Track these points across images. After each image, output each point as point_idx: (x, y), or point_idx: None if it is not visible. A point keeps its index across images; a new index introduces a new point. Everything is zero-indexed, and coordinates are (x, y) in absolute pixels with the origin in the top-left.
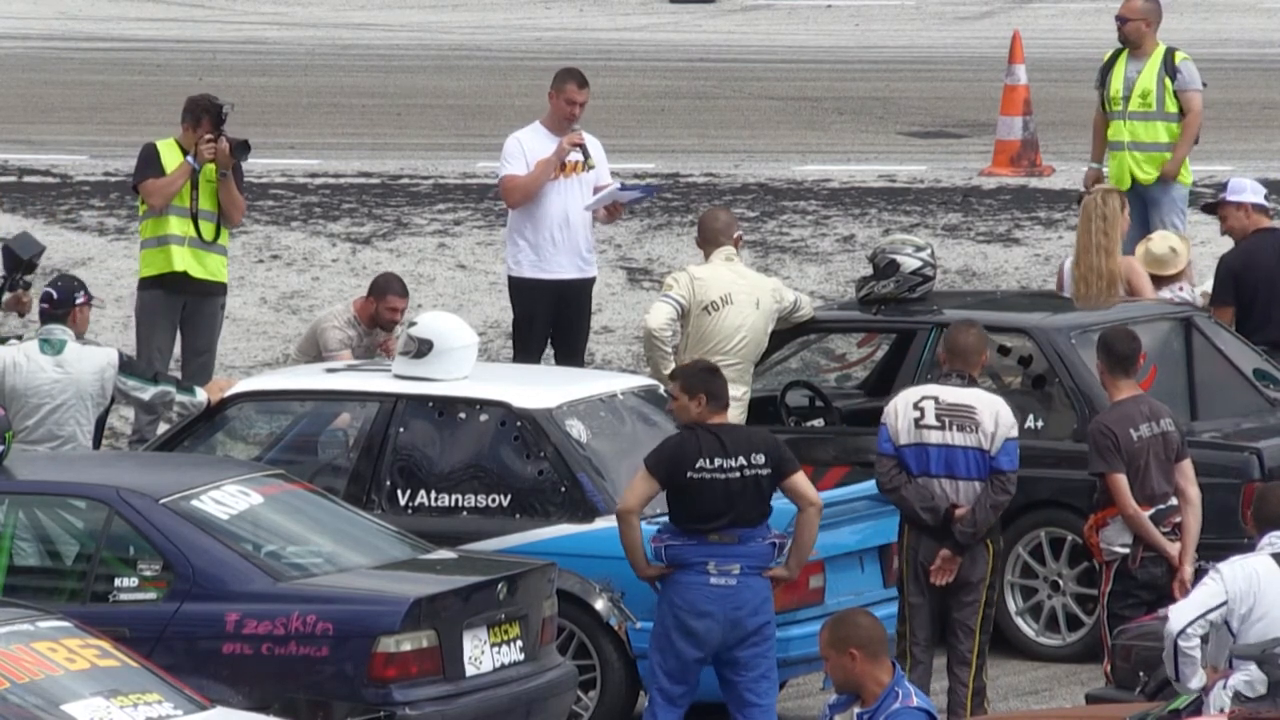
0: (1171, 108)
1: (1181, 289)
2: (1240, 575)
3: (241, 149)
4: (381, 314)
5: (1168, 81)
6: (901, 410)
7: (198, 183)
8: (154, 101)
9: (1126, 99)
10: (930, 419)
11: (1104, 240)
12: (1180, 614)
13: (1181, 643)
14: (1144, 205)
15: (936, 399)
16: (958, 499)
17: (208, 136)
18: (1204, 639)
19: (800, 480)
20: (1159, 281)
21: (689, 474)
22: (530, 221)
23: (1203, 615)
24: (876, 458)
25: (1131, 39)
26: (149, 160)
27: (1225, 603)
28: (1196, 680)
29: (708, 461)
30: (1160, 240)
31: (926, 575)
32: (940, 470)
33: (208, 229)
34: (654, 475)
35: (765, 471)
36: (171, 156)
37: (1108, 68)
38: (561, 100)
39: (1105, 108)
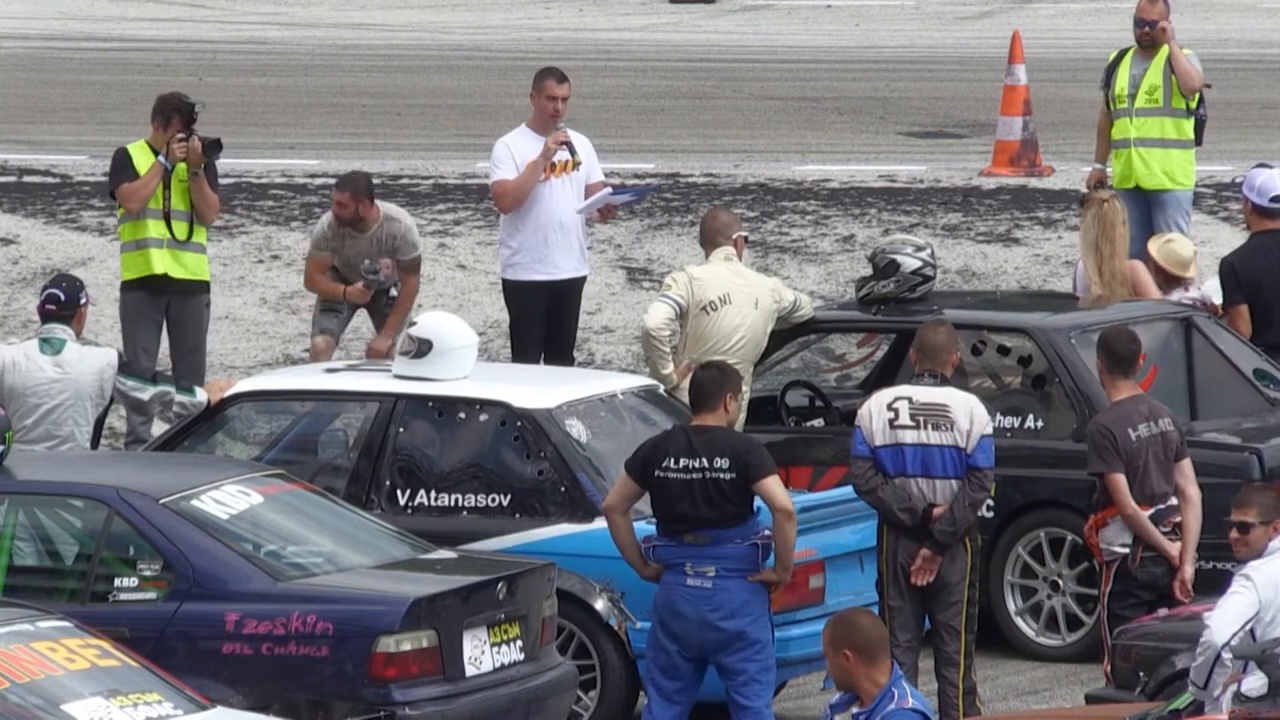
0: (1178, 104)
1: (1189, 289)
2: (1268, 581)
3: (213, 147)
4: (334, 210)
5: (1174, 77)
6: (875, 412)
7: (170, 182)
8: (154, 101)
9: (1132, 96)
10: (905, 419)
11: (1121, 246)
12: (1222, 625)
13: (1224, 654)
14: (1148, 206)
15: (910, 399)
16: (935, 498)
17: (179, 135)
18: None
19: (769, 486)
20: (1174, 282)
21: (656, 473)
22: (523, 224)
23: (1244, 626)
24: (852, 460)
25: (1158, 40)
26: (122, 165)
27: (1259, 612)
28: (1221, 689)
29: (673, 461)
30: (1183, 242)
31: (906, 577)
32: (916, 470)
33: (180, 228)
34: (630, 473)
35: (728, 476)
36: (143, 158)
37: (1113, 67)
38: (543, 99)
39: (1110, 106)
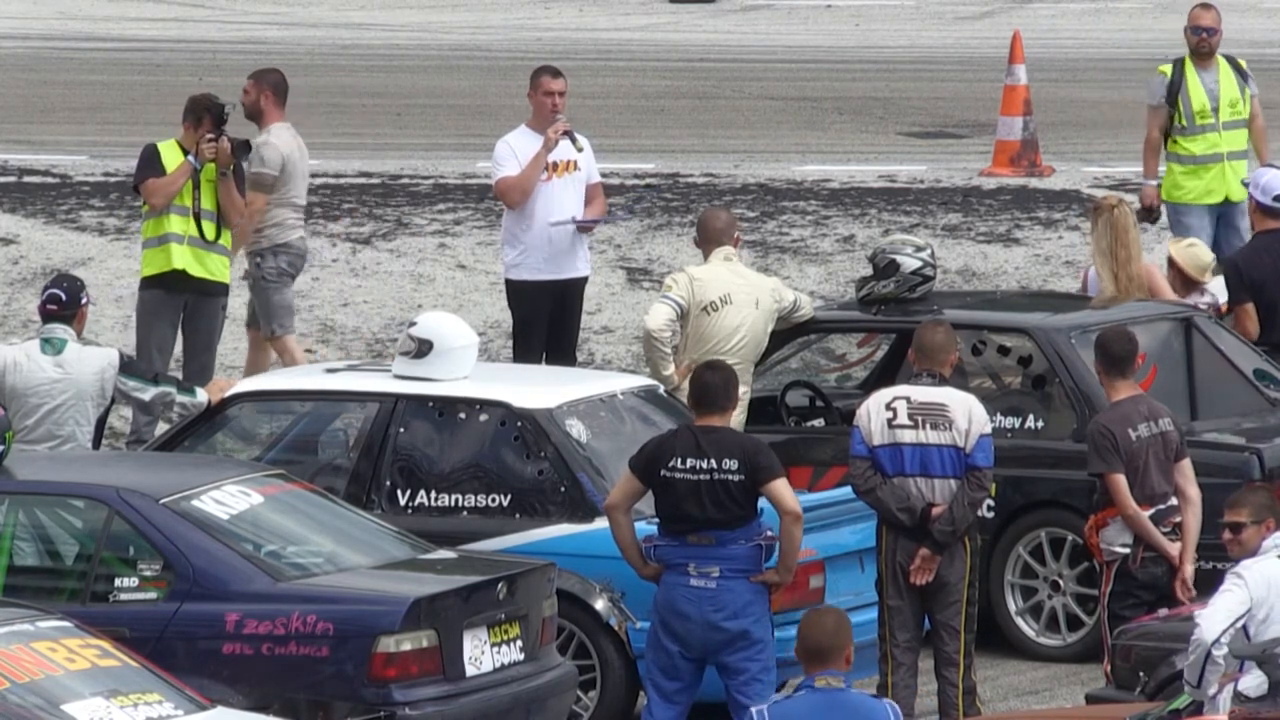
0: (1248, 113)
1: (1204, 293)
2: (1260, 580)
3: (242, 148)
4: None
5: (1246, 88)
6: (874, 411)
7: (199, 182)
8: (154, 101)
9: (1215, 110)
10: (903, 419)
11: (1136, 250)
12: (1212, 623)
13: (1215, 651)
14: (1214, 218)
15: (908, 399)
16: (934, 498)
17: (209, 136)
18: None
19: (778, 488)
20: (1192, 286)
21: (662, 472)
22: (527, 225)
23: (1233, 623)
24: (850, 460)
25: (1215, 49)
26: (149, 160)
27: (1250, 609)
28: (1216, 687)
29: (680, 461)
30: (1204, 247)
31: (905, 576)
32: (915, 470)
33: (209, 229)
34: (634, 472)
35: (736, 477)
36: (172, 157)
37: (1178, 82)
38: (540, 95)
39: (1181, 122)
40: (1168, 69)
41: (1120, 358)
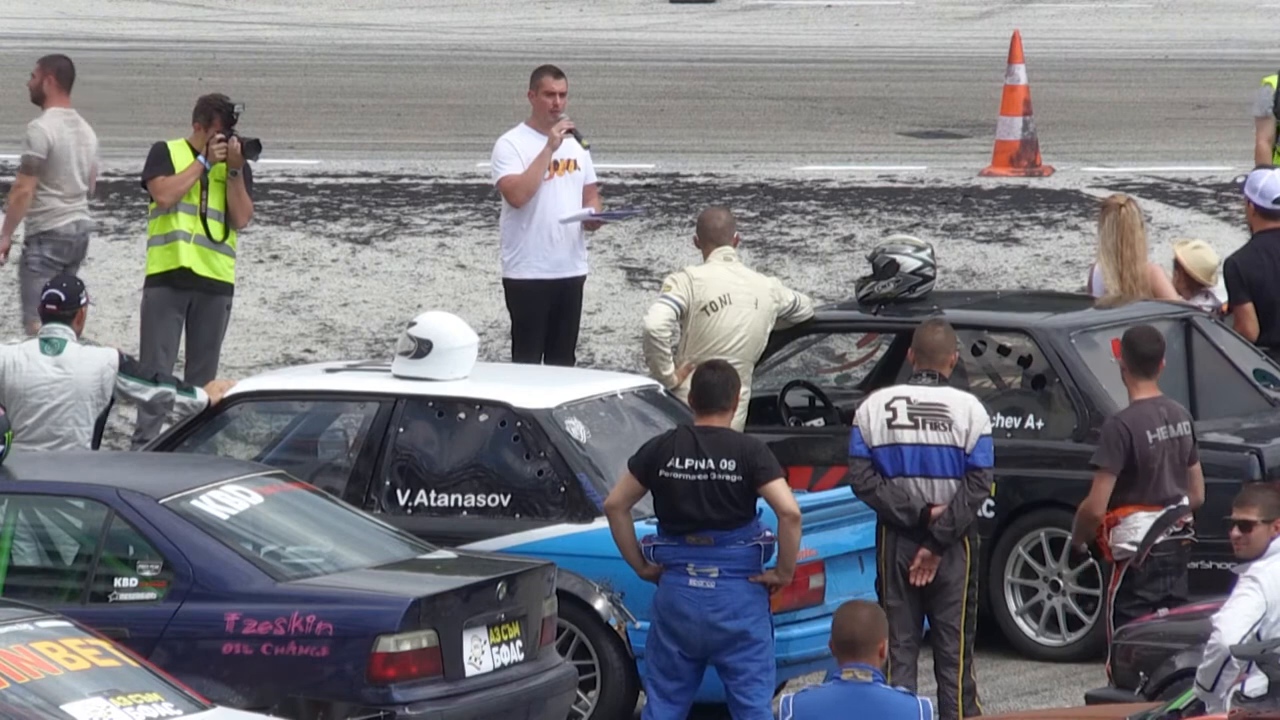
0: None
1: (1209, 295)
2: (1273, 581)
3: (253, 148)
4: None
5: None
6: (873, 412)
7: (208, 182)
8: (154, 101)
9: None
10: (903, 419)
11: (1141, 250)
12: (1232, 627)
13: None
14: None
15: (908, 399)
16: (933, 498)
17: (219, 136)
18: None
19: (776, 489)
20: (1197, 288)
21: (660, 472)
22: (527, 223)
23: (1253, 628)
24: (850, 460)
25: None
26: (158, 158)
27: (1265, 611)
28: (1227, 691)
29: (678, 462)
30: (1209, 250)
31: (905, 577)
32: (915, 470)
33: (216, 229)
34: (633, 472)
35: (734, 478)
36: (181, 156)
37: None
38: (541, 95)
39: None
40: (1273, 80)
41: (1147, 357)
